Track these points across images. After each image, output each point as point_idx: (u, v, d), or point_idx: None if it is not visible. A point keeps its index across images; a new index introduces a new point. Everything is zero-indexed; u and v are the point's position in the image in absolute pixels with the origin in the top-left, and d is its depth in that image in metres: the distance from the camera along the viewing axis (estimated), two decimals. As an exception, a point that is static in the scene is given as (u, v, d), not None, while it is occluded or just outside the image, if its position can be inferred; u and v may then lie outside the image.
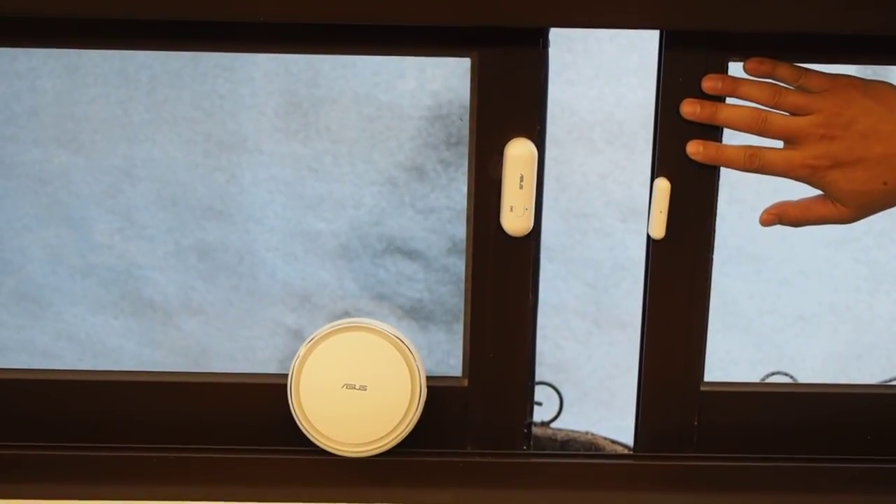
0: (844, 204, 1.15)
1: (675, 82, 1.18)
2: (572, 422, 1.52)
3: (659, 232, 1.21)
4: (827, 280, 2.93)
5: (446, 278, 2.90)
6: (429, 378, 1.25)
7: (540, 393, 1.35)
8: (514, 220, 1.21)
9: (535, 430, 1.34)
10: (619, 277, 2.99)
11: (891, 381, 1.55)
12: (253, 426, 1.28)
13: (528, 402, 1.30)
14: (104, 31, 1.19)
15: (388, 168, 3.01)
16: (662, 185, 1.20)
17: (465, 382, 1.28)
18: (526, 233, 1.22)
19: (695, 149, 1.18)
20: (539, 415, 1.36)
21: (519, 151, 1.19)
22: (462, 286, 1.28)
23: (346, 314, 2.83)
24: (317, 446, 1.25)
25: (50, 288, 2.91)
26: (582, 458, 1.35)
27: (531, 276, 1.25)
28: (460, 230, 2.87)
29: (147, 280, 2.91)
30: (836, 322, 2.88)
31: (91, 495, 1.27)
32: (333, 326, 1.23)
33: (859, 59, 1.21)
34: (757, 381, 1.69)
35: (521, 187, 1.20)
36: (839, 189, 1.14)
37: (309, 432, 1.24)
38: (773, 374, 1.71)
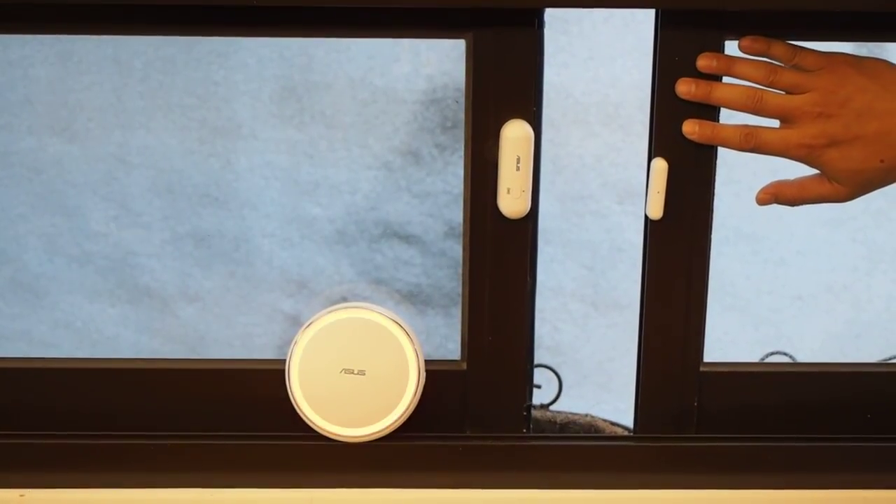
0: (841, 183, 1.15)
1: (671, 62, 1.17)
2: (571, 404, 1.51)
3: (657, 212, 1.21)
4: (824, 260, 2.93)
5: (443, 262, 2.90)
6: (427, 362, 1.25)
7: (539, 376, 1.35)
8: (511, 202, 1.21)
9: (534, 413, 1.33)
10: (616, 259, 2.98)
11: (889, 359, 1.55)
12: (251, 412, 1.28)
13: (527, 385, 1.30)
14: (97, 16, 1.18)
15: (383, 153, 3.01)
16: (660, 165, 1.19)
17: (464, 366, 1.28)
18: (523, 215, 1.22)
19: (690, 128, 1.18)
20: (538, 398, 1.36)
21: (515, 133, 1.19)
22: (459, 270, 1.27)
23: (344, 299, 2.83)
24: (315, 432, 1.25)
25: (46, 277, 2.90)
26: (582, 440, 1.35)
27: (529, 258, 1.25)
28: (457, 214, 2.86)
29: (143, 268, 2.90)
30: (833, 302, 2.88)
31: (89, 483, 1.27)
32: (332, 311, 1.23)
33: (855, 36, 1.21)
34: (756, 361, 1.69)
35: (517, 169, 1.19)
36: (836, 168, 1.14)
37: (307, 418, 1.24)
38: (772, 353, 1.71)
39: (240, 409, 1.28)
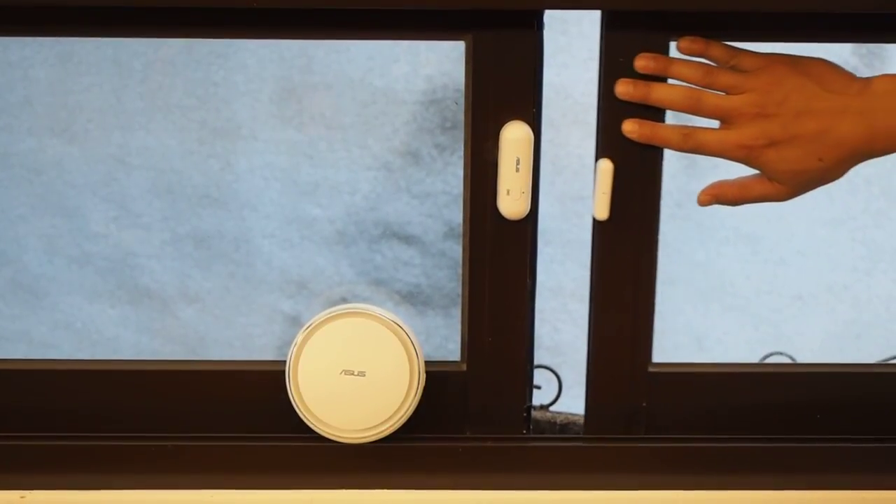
0: (781, 182, 1.15)
1: (615, 63, 1.17)
2: (571, 405, 1.51)
3: (603, 213, 1.21)
4: (824, 260, 2.93)
5: (443, 263, 2.90)
6: (427, 363, 1.25)
7: (539, 376, 1.35)
8: (511, 203, 1.21)
9: (534, 413, 1.34)
10: (616, 260, 2.98)
11: (889, 359, 1.55)
12: (251, 414, 1.28)
13: (527, 386, 1.30)
14: (97, 18, 1.18)
15: (383, 153, 3.00)
16: (605, 166, 1.20)
17: (464, 367, 1.28)
18: (523, 216, 1.22)
19: (630, 127, 1.18)
20: (538, 398, 1.36)
21: (515, 134, 1.19)
22: (459, 271, 1.28)
23: (344, 300, 2.83)
24: (315, 433, 1.25)
25: (46, 278, 2.90)
26: (582, 441, 1.35)
27: (528, 259, 1.25)
28: (456, 215, 2.86)
29: (143, 268, 2.90)
30: (834, 302, 2.88)
31: (90, 485, 1.27)
32: (331, 312, 1.23)
33: (800, 37, 1.20)
34: (756, 361, 1.69)
35: (517, 170, 1.19)
36: (775, 169, 1.14)
37: (307, 419, 1.24)
38: (771, 354, 1.71)
39: (240, 411, 1.29)
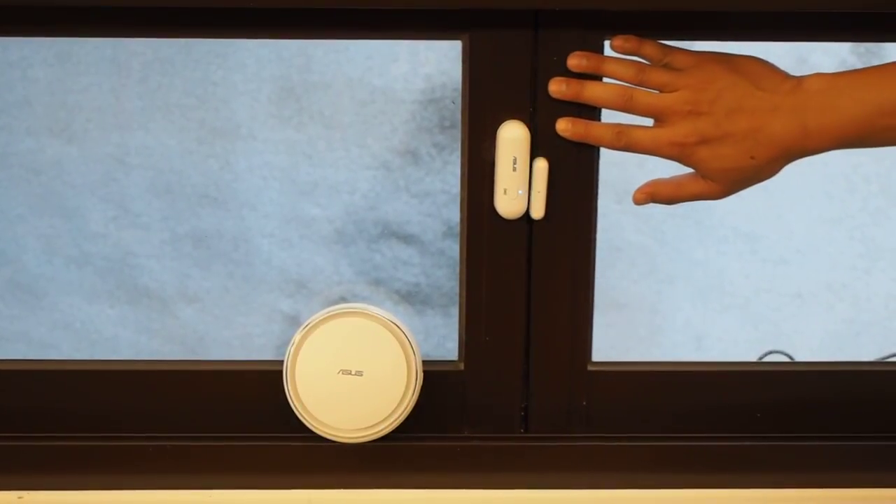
0: (715, 180, 1.16)
1: (549, 62, 1.18)
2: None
3: (538, 212, 1.22)
4: (823, 258, 2.93)
5: (442, 262, 2.89)
6: (425, 362, 1.25)
7: (537, 375, 1.35)
8: (508, 202, 1.21)
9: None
10: (614, 258, 2.98)
11: (888, 357, 1.55)
12: (249, 413, 1.28)
13: (525, 385, 1.30)
14: (97, 18, 1.18)
15: (382, 152, 3.00)
16: (540, 164, 1.20)
17: (462, 366, 1.28)
18: (520, 215, 1.22)
19: (564, 126, 1.19)
20: (536, 397, 1.36)
21: (512, 134, 1.19)
22: (458, 270, 1.28)
23: (343, 299, 2.83)
24: (313, 433, 1.25)
25: (45, 278, 2.90)
26: (581, 440, 1.35)
27: (526, 258, 1.25)
28: (455, 214, 2.86)
29: (142, 268, 2.90)
30: (833, 300, 2.88)
31: (88, 485, 1.27)
32: (329, 312, 1.23)
33: (737, 35, 1.21)
34: (754, 359, 1.69)
35: (514, 170, 1.19)
36: (708, 167, 1.14)
37: (305, 419, 1.24)
38: (770, 352, 1.71)
39: (238, 411, 1.29)
